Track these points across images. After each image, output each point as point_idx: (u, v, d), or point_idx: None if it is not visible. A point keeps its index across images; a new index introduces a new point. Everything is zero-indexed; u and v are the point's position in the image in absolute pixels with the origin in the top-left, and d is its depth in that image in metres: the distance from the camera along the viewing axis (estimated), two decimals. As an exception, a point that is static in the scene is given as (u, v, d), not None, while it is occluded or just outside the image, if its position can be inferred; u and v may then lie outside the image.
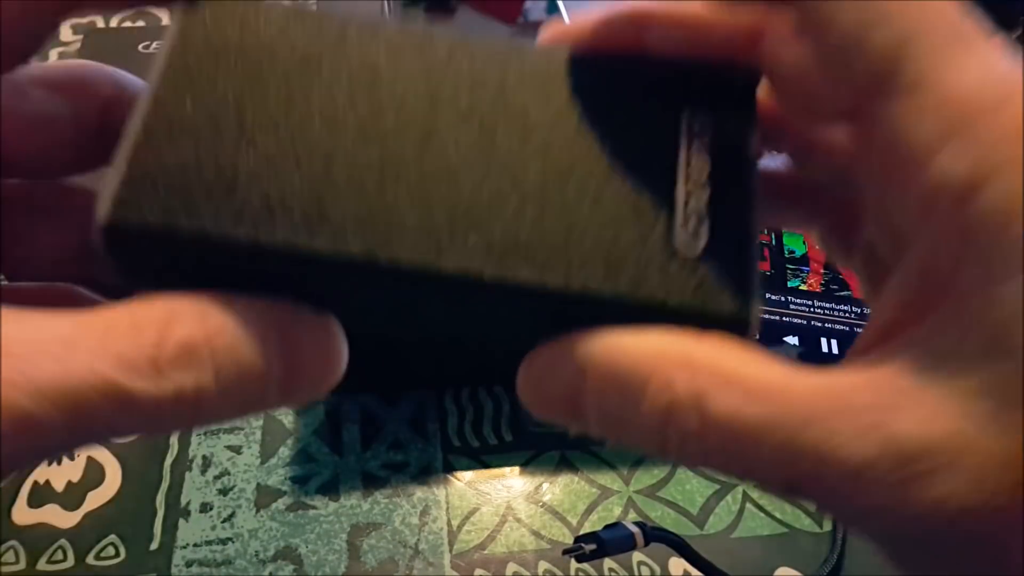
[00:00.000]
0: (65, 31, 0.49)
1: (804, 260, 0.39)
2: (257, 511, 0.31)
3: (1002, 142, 0.10)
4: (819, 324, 0.36)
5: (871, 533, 0.11)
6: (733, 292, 0.12)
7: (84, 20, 0.51)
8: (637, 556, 0.30)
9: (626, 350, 0.12)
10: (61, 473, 0.31)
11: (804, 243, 0.40)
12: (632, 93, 0.13)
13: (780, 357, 0.11)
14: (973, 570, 0.10)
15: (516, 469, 0.32)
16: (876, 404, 0.10)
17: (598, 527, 0.27)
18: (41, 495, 0.30)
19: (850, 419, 0.10)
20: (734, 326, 0.12)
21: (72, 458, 0.32)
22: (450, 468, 0.32)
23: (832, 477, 0.10)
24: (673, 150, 0.12)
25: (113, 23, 0.50)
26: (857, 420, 0.10)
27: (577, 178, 0.12)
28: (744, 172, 0.12)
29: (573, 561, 0.29)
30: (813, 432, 0.10)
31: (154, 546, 0.29)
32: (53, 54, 0.47)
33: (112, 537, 0.30)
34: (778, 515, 0.32)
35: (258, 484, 0.31)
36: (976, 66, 0.11)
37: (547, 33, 0.14)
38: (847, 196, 0.15)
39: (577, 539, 0.27)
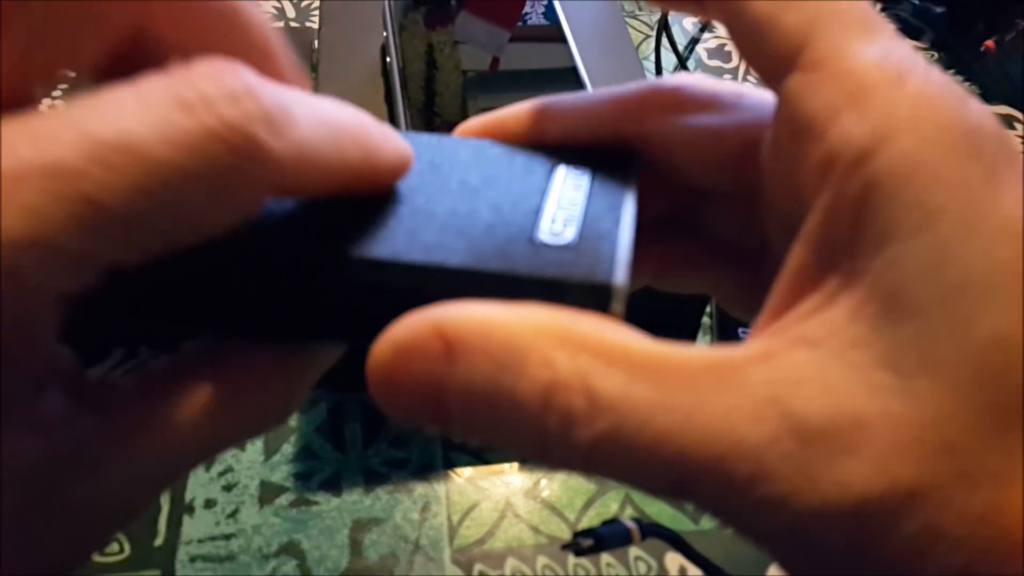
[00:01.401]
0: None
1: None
2: (260, 507, 0.31)
3: (899, 111, 0.10)
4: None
5: (765, 531, 0.09)
6: (594, 267, 0.12)
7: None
8: (634, 551, 0.31)
9: (499, 324, 0.10)
10: (67, 470, 0.31)
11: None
12: (532, 157, 0.14)
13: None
14: (870, 569, 0.09)
15: (515, 465, 0.33)
16: (772, 379, 0.09)
17: (595, 522, 0.28)
18: (47, 492, 0.31)
19: (745, 396, 0.09)
20: (594, 295, 0.11)
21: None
22: (450, 464, 0.33)
23: (727, 462, 0.09)
24: (547, 185, 0.13)
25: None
26: (753, 396, 0.09)
27: (473, 208, 0.13)
28: (616, 200, 0.13)
29: (571, 556, 0.30)
30: (707, 412, 0.09)
31: (158, 542, 0.30)
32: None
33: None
34: (773, 511, 0.32)
35: (261, 480, 0.32)
36: (877, 48, 0.11)
37: (465, 127, 0.15)
38: (747, 243, 0.15)
39: (575, 534, 0.28)
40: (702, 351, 0.10)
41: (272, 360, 0.13)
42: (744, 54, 0.12)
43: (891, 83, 0.10)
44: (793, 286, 0.11)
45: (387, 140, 0.13)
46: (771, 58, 0.11)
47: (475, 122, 0.15)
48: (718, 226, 0.15)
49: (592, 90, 0.16)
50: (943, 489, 0.09)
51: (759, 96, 0.14)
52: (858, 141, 0.10)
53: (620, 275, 0.12)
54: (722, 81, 0.14)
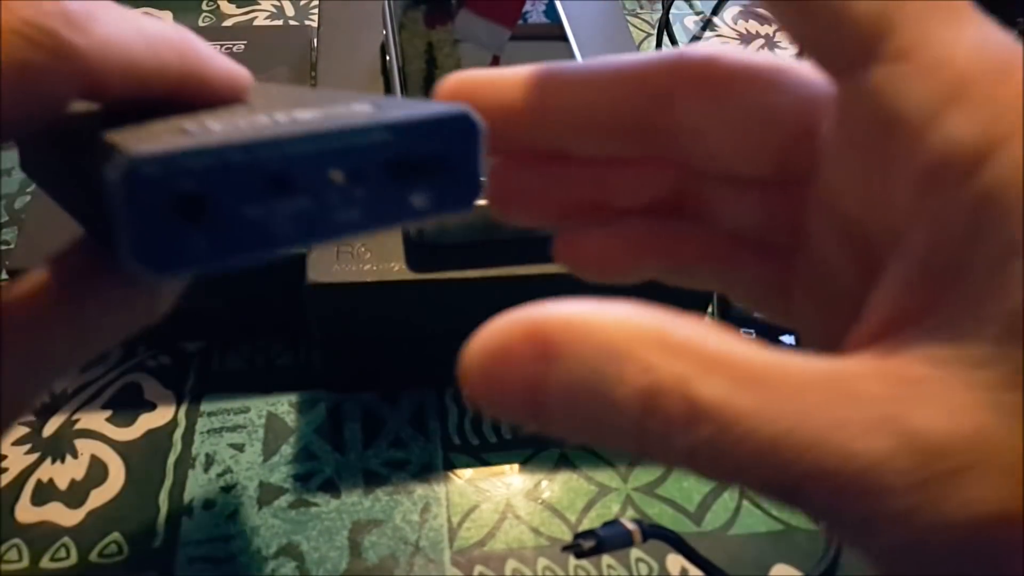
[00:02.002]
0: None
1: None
2: (259, 508, 0.31)
3: (1008, 109, 0.09)
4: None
5: (877, 544, 0.09)
6: (441, 108, 0.12)
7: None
8: (635, 553, 0.30)
9: (596, 326, 0.10)
10: (64, 471, 0.31)
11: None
12: None
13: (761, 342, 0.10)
14: None
15: (515, 467, 0.33)
16: (889, 396, 0.09)
17: (596, 524, 0.28)
18: (44, 493, 0.31)
19: (859, 410, 0.09)
20: (458, 130, 0.12)
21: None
22: (450, 466, 0.33)
23: (841, 476, 0.09)
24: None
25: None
26: (868, 411, 0.09)
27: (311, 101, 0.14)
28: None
29: (572, 558, 0.30)
30: (816, 423, 0.09)
31: (157, 543, 0.30)
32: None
33: (115, 535, 0.30)
34: (775, 512, 0.32)
35: (260, 482, 0.32)
36: (971, 35, 0.10)
37: (448, 85, 0.14)
38: (771, 236, 0.14)
39: (576, 536, 0.27)
40: (805, 361, 0.10)
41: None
42: (804, 44, 0.11)
43: (995, 76, 0.09)
44: (897, 302, 0.10)
45: (217, 56, 0.14)
46: (843, 48, 0.10)
47: (461, 78, 0.14)
48: (738, 217, 0.14)
49: (602, 58, 0.14)
50: None
51: (801, 74, 0.13)
52: (967, 146, 0.09)
53: (475, 115, 0.12)
54: (754, 53, 0.13)
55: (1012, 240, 0.09)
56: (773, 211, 0.14)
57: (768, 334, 0.36)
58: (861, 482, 0.09)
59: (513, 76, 0.14)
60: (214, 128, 0.12)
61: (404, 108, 0.13)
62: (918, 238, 0.10)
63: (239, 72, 0.15)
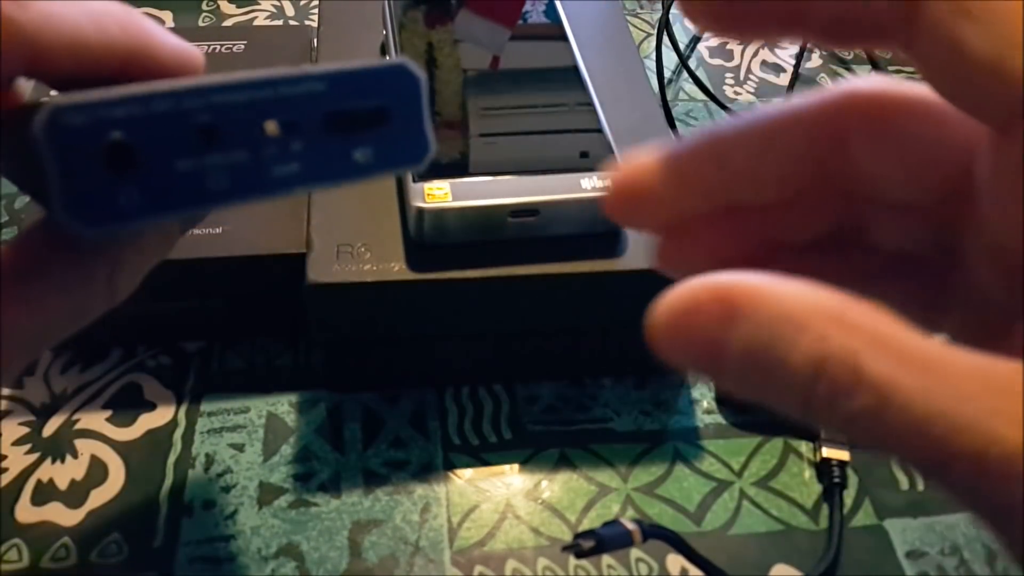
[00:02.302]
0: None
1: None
2: (259, 508, 0.31)
3: None
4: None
5: (1013, 528, 0.10)
6: (384, 61, 0.13)
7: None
8: (635, 553, 0.30)
9: (778, 295, 0.11)
10: (64, 471, 0.31)
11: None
12: None
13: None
14: None
15: (516, 467, 0.33)
16: None
17: (596, 524, 0.28)
18: (44, 493, 0.31)
19: (1012, 403, 0.10)
20: (397, 77, 0.13)
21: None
22: (450, 466, 0.33)
23: (986, 459, 0.10)
24: None
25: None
26: (1019, 406, 0.10)
27: None
28: None
29: (572, 558, 0.30)
30: (970, 408, 0.10)
31: (157, 543, 0.30)
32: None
33: (115, 535, 0.30)
34: (775, 512, 0.32)
35: (260, 482, 0.32)
36: None
37: (621, 176, 0.15)
38: (924, 253, 0.14)
39: (576, 536, 0.27)
40: (966, 354, 0.11)
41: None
42: (956, 100, 0.12)
43: None
44: None
45: (165, 33, 0.14)
46: (1001, 106, 0.11)
47: (635, 165, 0.15)
48: (896, 239, 0.15)
49: (768, 108, 0.14)
50: None
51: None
52: None
53: (414, 66, 0.13)
54: (910, 83, 0.13)
55: None
56: (929, 232, 0.14)
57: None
58: (1006, 467, 0.10)
59: (687, 150, 0.14)
60: (148, 88, 0.12)
61: (349, 64, 0.13)
62: None
63: (190, 49, 0.15)
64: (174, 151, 0.11)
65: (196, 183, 0.12)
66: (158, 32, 0.15)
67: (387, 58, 0.13)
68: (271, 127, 0.12)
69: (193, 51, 0.15)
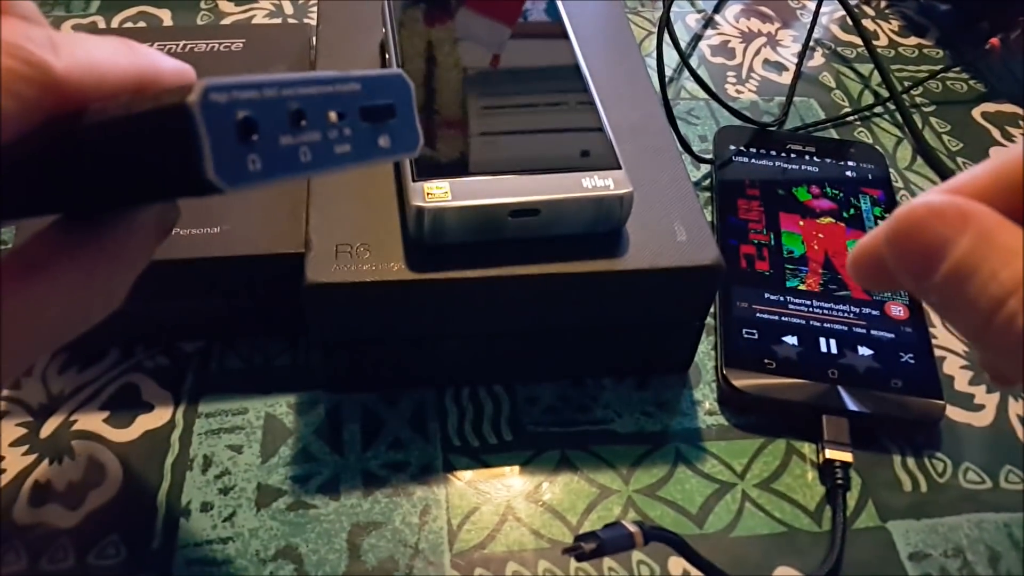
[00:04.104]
0: (66, 29, 0.49)
1: (803, 260, 0.39)
2: (258, 510, 0.31)
3: None
4: (818, 324, 0.36)
5: None
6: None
7: (85, 20, 0.51)
8: (636, 555, 0.30)
9: (1005, 229, 0.14)
10: (62, 472, 0.31)
11: (803, 243, 0.40)
12: None
13: None
14: None
15: (516, 468, 0.33)
16: None
17: (597, 526, 0.28)
18: (42, 494, 0.30)
19: None
20: (399, 79, 0.18)
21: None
22: (450, 467, 0.32)
23: None
24: None
25: (114, 23, 0.50)
26: None
27: None
28: None
29: (573, 560, 0.29)
30: None
31: (155, 545, 0.29)
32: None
33: (113, 536, 0.30)
34: (777, 514, 0.32)
35: (259, 483, 0.31)
36: None
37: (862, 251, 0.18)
38: None
39: (577, 538, 0.27)
40: None
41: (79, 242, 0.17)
42: None
43: None
44: None
45: (161, 54, 0.17)
46: None
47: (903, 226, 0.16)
48: None
49: (980, 168, 0.16)
50: None
51: None
52: None
53: (406, 76, 0.18)
54: None
55: None
56: None
57: (770, 332, 0.36)
58: None
59: (926, 221, 0.16)
60: (258, 78, 0.15)
61: (369, 71, 0.17)
62: None
63: (186, 67, 0.18)
64: (280, 128, 0.15)
65: (292, 155, 0.15)
66: (158, 56, 0.17)
67: (390, 67, 0.18)
68: (332, 115, 0.16)
69: (188, 68, 0.18)
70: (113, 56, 0.16)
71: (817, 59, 0.54)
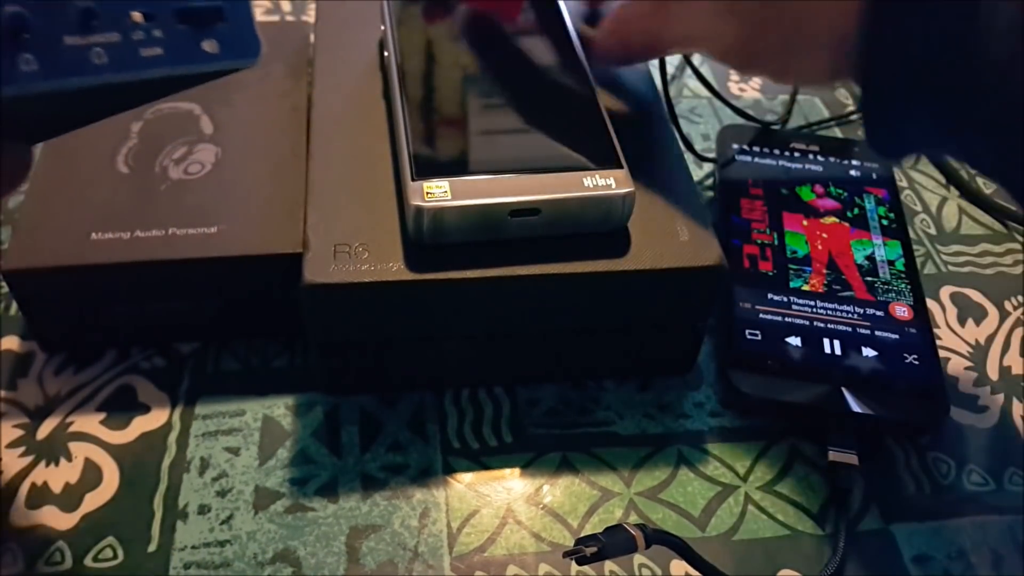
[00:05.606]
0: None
1: (806, 260, 0.39)
2: (255, 513, 0.30)
3: None
4: (821, 325, 0.36)
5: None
6: None
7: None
8: (638, 558, 0.30)
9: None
10: (59, 475, 0.31)
11: (806, 243, 0.39)
12: None
13: None
14: None
15: (516, 471, 0.32)
16: None
17: (599, 529, 0.27)
18: (38, 497, 0.30)
19: None
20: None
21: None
22: (450, 470, 0.32)
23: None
24: None
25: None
26: None
27: None
28: None
29: (574, 564, 0.29)
30: None
31: (152, 548, 0.29)
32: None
33: (110, 539, 0.29)
34: (780, 517, 0.32)
35: (256, 486, 0.31)
36: None
37: None
38: None
39: (578, 541, 0.27)
40: None
41: None
42: None
43: None
44: None
45: None
46: None
47: None
48: None
49: None
50: None
51: None
52: None
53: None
54: None
55: None
56: None
57: (773, 333, 0.35)
58: None
59: None
60: None
61: None
62: None
63: None
64: (62, 29, 0.15)
65: (83, 57, 0.15)
66: None
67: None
68: (136, 15, 0.16)
69: None
70: None
71: (820, 57, 0.53)
